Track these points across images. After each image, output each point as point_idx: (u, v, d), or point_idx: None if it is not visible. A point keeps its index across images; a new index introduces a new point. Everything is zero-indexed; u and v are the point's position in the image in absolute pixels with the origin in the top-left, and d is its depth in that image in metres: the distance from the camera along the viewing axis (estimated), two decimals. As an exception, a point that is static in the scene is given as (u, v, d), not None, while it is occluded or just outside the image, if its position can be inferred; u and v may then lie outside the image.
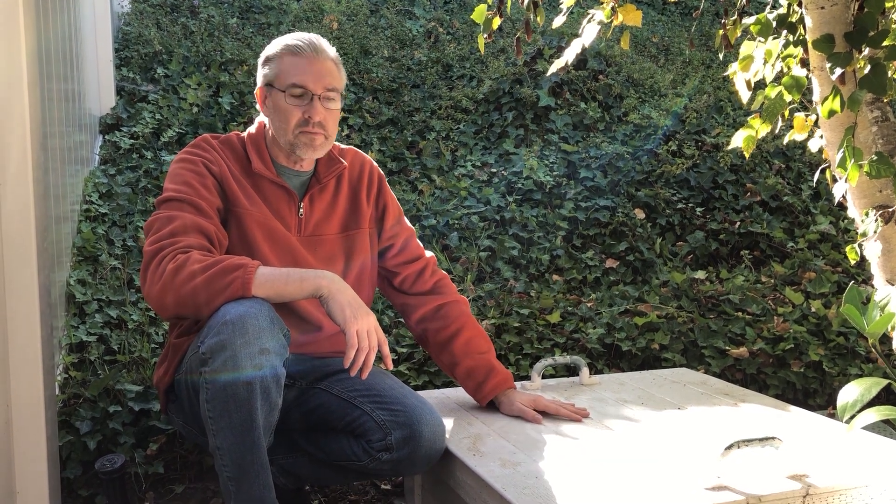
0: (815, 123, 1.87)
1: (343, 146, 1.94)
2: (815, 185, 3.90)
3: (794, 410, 1.95)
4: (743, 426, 1.81)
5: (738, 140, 1.76)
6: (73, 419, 2.14)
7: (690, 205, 3.73)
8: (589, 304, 3.00)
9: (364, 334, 1.57)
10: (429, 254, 2.00)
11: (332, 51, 1.81)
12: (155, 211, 1.70)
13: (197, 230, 1.63)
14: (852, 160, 1.50)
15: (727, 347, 2.78)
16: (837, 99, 1.50)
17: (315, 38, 1.79)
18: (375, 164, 1.97)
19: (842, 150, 1.45)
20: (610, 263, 3.39)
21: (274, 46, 1.81)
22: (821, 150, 1.90)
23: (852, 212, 1.71)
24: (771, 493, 1.43)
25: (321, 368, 1.82)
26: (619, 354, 2.78)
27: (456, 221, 3.51)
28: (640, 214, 3.65)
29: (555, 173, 3.84)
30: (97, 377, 2.26)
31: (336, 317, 1.58)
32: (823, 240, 3.60)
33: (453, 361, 1.92)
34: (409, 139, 4.08)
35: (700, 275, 3.22)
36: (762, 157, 4.05)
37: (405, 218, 2.00)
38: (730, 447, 1.47)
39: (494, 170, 3.89)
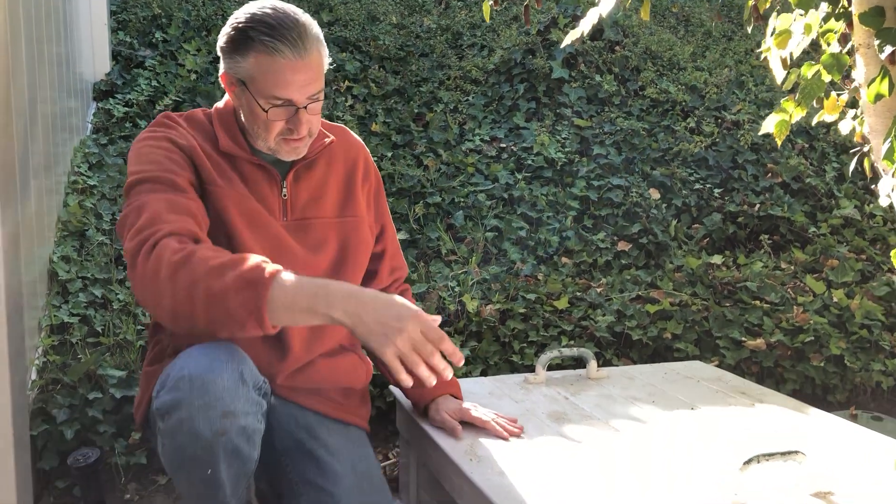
0: (848, 105, 1.72)
1: (332, 123, 1.75)
2: (839, 166, 3.73)
3: (816, 413, 1.83)
4: (761, 431, 1.70)
5: (770, 125, 1.60)
6: (50, 406, 2.03)
7: (708, 185, 3.57)
8: (599, 290, 2.87)
9: (408, 350, 1.28)
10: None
11: (312, 34, 1.48)
12: (125, 201, 1.47)
13: (178, 210, 1.41)
14: (899, 150, 1.35)
15: (743, 338, 2.64)
16: (886, 81, 1.34)
17: (292, 20, 1.45)
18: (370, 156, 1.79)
19: (889, 139, 1.30)
20: (622, 246, 3.25)
21: (241, 29, 1.46)
22: (852, 132, 1.75)
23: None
24: (794, 515, 1.32)
25: (295, 429, 1.60)
26: (629, 343, 2.66)
27: (462, 199, 3.38)
28: (654, 194, 3.50)
29: (567, 149, 3.69)
30: (78, 361, 2.16)
31: (370, 346, 1.30)
32: (847, 225, 3.44)
33: None
34: (416, 111, 3.93)
35: (716, 260, 3.08)
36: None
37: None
38: (749, 461, 1.37)
39: (504, 145, 3.74)
